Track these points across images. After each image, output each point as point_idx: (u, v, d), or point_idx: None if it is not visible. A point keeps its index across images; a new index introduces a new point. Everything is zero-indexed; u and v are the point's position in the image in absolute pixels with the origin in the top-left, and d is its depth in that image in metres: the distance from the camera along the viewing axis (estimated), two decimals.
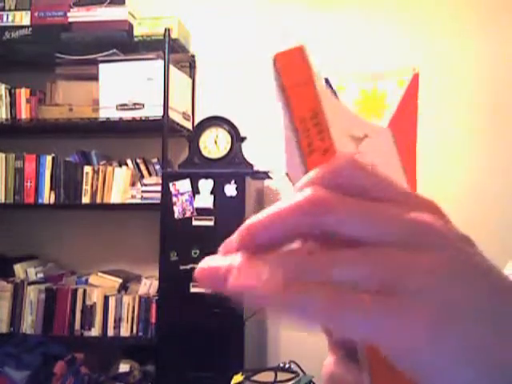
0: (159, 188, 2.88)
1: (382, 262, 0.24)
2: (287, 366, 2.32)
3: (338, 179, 0.27)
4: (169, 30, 2.97)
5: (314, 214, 0.25)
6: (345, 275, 0.24)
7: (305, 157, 0.34)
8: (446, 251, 0.25)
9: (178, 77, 3.10)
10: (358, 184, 0.27)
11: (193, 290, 2.74)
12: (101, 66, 3.02)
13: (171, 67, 2.98)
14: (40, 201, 3.10)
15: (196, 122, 3.17)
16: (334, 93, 3.13)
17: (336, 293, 0.24)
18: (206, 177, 2.80)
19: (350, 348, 0.32)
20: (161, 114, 2.92)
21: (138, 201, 3.00)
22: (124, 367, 2.97)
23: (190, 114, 3.27)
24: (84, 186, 3.06)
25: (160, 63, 2.95)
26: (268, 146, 3.00)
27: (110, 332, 2.99)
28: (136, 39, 3.03)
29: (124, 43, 3.04)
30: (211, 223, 2.76)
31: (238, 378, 2.23)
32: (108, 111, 3.00)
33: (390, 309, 0.24)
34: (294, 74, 0.38)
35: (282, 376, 2.21)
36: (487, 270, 0.26)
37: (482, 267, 0.26)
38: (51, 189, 3.09)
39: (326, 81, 3.13)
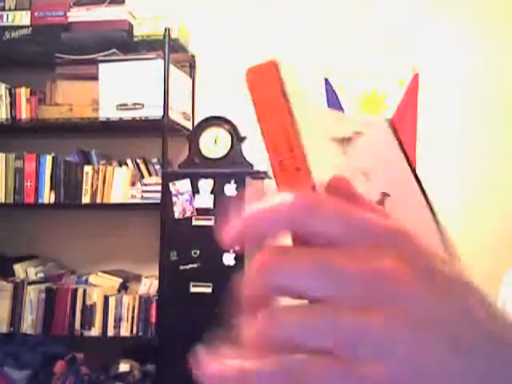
0: (159, 188, 2.88)
1: (330, 326, 0.24)
2: None
3: (291, 227, 0.26)
4: (169, 30, 2.97)
5: (262, 278, 0.26)
6: (302, 341, 0.24)
7: (276, 175, 0.34)
8: (393, 308, 0.24)
9: (178, 77, 3.10)
10: (307, 231, 0.26)
11: (193, 289, 2.74)
12: (101, 65, 3.02)
13: (171, 67, 2.98)
14: (40, 201, 3.10)
15: (196, 122, 3.17)
16: (335, 93, 3.14)
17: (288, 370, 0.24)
18: (206, 177, 2.80)
19: None
20: (161, 114, 2.92)
21: (138, 201, 3.00)
22: (124, 367, 2.97)
23: (190, 114, 3.27)
24: (84, 186, 3.06)
25: (160, 63, 2.95)
26: None
27: (110, 332, 2.99)
28: (136, 39, 3.03)
29: (124, 43, 3.03)
30: (211, 223, 2.76)
31: None
32: (108, 111, 3.00)
33: (339, 376, 0.23)
34: (263, 90, 0.37)
35: None
36: (451, 317, 0.24)
37: (444, 315, 0.24)
38: (51, 189, 3.09)
39: (326, 81, 3.13)
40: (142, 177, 3.12)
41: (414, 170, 0.47)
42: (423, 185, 0.48)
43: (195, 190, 2.79)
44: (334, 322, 0.24)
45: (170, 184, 2.81)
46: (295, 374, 0.24)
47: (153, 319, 2.95)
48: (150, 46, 3.02)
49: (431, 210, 0.45)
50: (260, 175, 3.05)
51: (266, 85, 0.37)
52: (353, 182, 0.36)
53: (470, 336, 0.24)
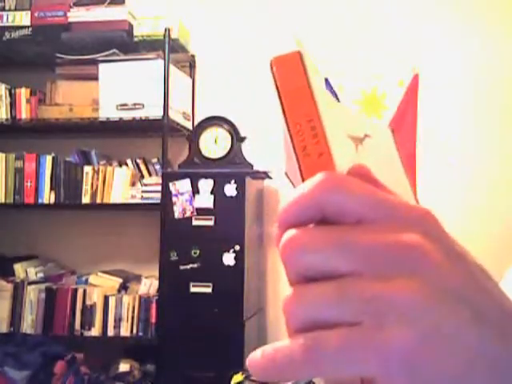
0: (159, 188, 2.88)
1: (352, 295, 0.25)
2: None
3: (315, 207, 0.27)
4: (169, 30, 2.97)
5: (290, 258, 0.27)
6: (321, 314, 0.25)
7: (299, 160, 0.35)
8: (418, 277, 0.25)
9: (178, 77, 3.10)
10: (337, 209, 0.27)
11: (193, 289, 2.75)
12: (101, 65, 3.02)
13: (171, 67, 2.98)
14: (40, 201, 3.10)
15: (196, 122, 3.17)
16: (335, 93, 3.13)
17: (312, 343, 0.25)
18: (206, 177, 2.80)
19: None
20: (161, 114, 2.92)
21: (138, 201, 3.00)
22: (124, 367, 2.97)
23: (190, 114, 3.27)
24: (84, 186, 3.06)
25: (160, 63, 2.95)
26: (268, 145, 3.00)
27: (110, 332, 2.99)
28: (136, 39, 3.03)
29: (124, 43, 3.03)
30: (211, 223, 2.76)
31: (238, 377, 2.24)
32: (108, 111, 3.00)
33: (358, 344, 0.24)
34: (289, 79, 0.38)
35: None
36: (467, 294, 0.25)
37: (459, 292, 0.25)
38: (51, 189, 3.09)
39: (326, 81, 3.13)
40: (142, 177, 3.12)
41: (406, 176, 0.48)
42: (413, 189, 0.49)
43: (195, 190, 2.80)
44: (360, 293, 0.25)
45: (170, 184, 2.81)
46: (324, 346, 0.24)
47: (153, 319, 2.95)
48: (150, 45, 3.02)
49: None
50: (260, 175, 3.06)
51: (292, 74, 0.38)
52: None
53: (489, 308, 0.25)
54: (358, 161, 0.40)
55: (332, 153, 0.35)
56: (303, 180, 0.34)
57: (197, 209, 2.78)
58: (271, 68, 0.38)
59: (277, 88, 0.37)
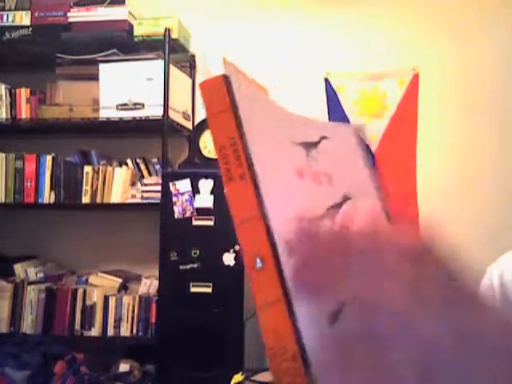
0: (159, 188, 2.88)
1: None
2: None
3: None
4: (169, 29, 2.97)
5: None
6: None
7: (224, 184, 0.37)
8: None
9: (177, 77, 3.10)
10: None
11: (193, 289, 2.74)
12: (101, 65, 3.02)
13: (171, 67, 2.98)
14: (40, 201, 3.10)
15: (196, 122, 3.17)
16: (334, 93, 3.13)
17: None
18: (206, 177, 2.80)
19: None
20: (161, 114, 2.92)
21: (138, 201, 3.00)
22: (124, 367, 2.97)
23: (190, 114, 3.27)
24: (84, 186, 3.06)
25: (160, 63, 2.95)
26: None
27: (110, 332, 2.99)
28: (136, 39, 3.03)
29: (124, 43, 3.04)
30: (211, 223, 2.76)
31: (238, 377, 2.23)
32: (108, 111, 3.00)
33: None
34: (214, 103, 0.39)
35: None
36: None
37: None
38: (51, 189, 3.09)
39: (326, 81, 3.13)
40: (142, 177, 3.12)
41: (375, 173, 0.49)
42: (378, 186, 0.50)
43: (195, 190, 2.79)
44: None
45: (170, 184, 2.81)
46: None
47: (153, 319, 2.95)
48: (150, 45, 3.02)
49: (386, 211, 0.48)
50: None
51: (216, 98, 0.39)
52: (317, 184, 0.41)
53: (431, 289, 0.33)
54: (309, 163, 0.43)
55: (254, 174, 0.36)
56: (229, 202, 0.36)
57: (197, 209, 2.78)
58: (200, 92, 0.39)
59: (205, 112, 0.39)
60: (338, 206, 0.42)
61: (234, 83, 0.40)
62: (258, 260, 0.36)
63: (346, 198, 0.43)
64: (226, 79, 0.40)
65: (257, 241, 0.36)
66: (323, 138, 0.45)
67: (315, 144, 0.44)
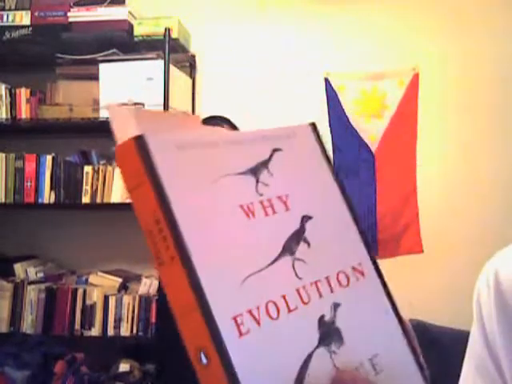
0: None
1: None
2: None
3: None
4: (169, 29, 2.97)
5: None
6: None
7: (157, 269, 0.34)
8: None
9: (177, 77, 3.10)
10: None
11: None
12: (101, 65, 3.02)
13: (171, 67, 2.98)
14: (40, 201, 3.10)
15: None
16: (334, 93, 3.13)
17: None
18: None
19: None
20: None
21: None
22: (124, 367, 2.97)
23: (190, 113, 3.27)
24: (84, 186, 3.06)
25: (160, 63, 2.95)
26: None
27: (110, 332, 2.99)
28: (136, 39, 3.03)
29: (124, 43, 3.04)
30: None
31: None
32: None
33: None
34: (131, 175, 0.35)
35: None
36: None
37: None
38: (51, 189, 3.09)
39: (326, 81, 3.13)
40: None
41: (336, 179, 0.45)
42: (344, 191, 0.47)
43: None
44: None
45: None
46: None
47: (153, 319, 2.95)
48: (150, 45, 3.02)
49: (355, 220, 0.45)
50: None
51: (131, 169, 0.35)
52: (272, 213, 0.36)
53: None
54: (260, 192, 0.39)
55: (186, 254, 0.32)
56: (165, 290, 0.33)
57: None
58: (116, 156, 0.35)
59: (122, 177, 0.35)
60: (299, 232, 0.39)
61: (149, 140, 0.34)
62: (203, 355, 0.33)
63: (306, 219, 0.41)
64: (138, 141, 0.34)
65: (198, 335, 0.33)
66: (275, 150, 0.42)
67: (266, 163, 0.40)
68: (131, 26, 3.04)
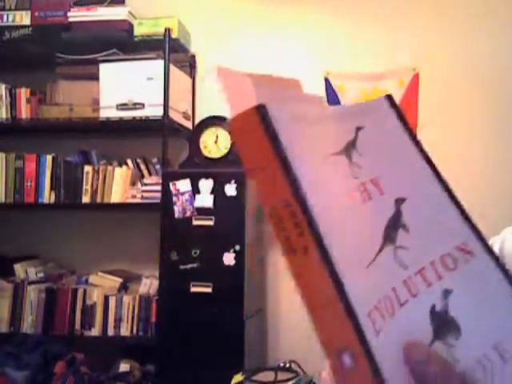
0: (159, 188, 2.88)
1: None
2: (287, 365, 2.33)
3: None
4: (169, 29, 2.97)
5: None
6: None
7: (286, 255, 0.30)
8: None
9: (178, 77, 3.10)
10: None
11: (193, 289, 2.74)
12: (101, 65, 3.02)
13: (171, 67, 2.98)
14: (40, 201, 3.10)
15: (196, 122, 3.17)
16: (334, 92, 3.13)
17: None
18: (206, 177, 2.80)
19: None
20: (161, 113, 2.92)
21: (138, 200, 3.00)
22: (124, 367, 2.97)
23: (190, 113, 3.27)
24: (84, 186, 3.06)
25: (160, 63, 2.95)
26: None
27: (110, 332, 2.99)
28: (136, 39, 3.03)
29: (124, 43, 3.04)
30: (211, 223, 2.76)
31: (238, 377, 2.23)
32: (108, 111, 3.00)
33: None
34: (253, 154, 0.31)
35: (282, 376, 2.21)
36: None
37: None
38: (51, 189, 3.09)
39: (326, 81, 3.13)
40: (142, 177, 3.12)
41: (421, 150, 0.41)
42: (432, 161, 0.42)
43: (195, 190, 2.79)
44: None
45: (170, 184, 2.81)
46: None
47: (153, 319, 2.95)
48: (150, 46, 3.02)
49: (452, 198, 0.41)
50: None
51: (253, 147, 0.31)
52: (368, 200, 0.33)
53: None
54: (355, 175, 0.36)
55: (323, 242, 0.29)
56: (295, 281, 0.29)
57: (197, 209, 2.78)
58: (229, 132, 0.31)
59: (243, 165, 0.31)
60: (395, 217, 0.36)
61: (273, 112, 0.30)
62: (347, 357, 0.28)
63: (401, 202, 0.37)
64: (262, 114, 0.30)
65: (340, 332, 0.29)
66: (358, 129, 0.37)
67: (353, 143, 0.36)
68: (131, 26, 3.04)
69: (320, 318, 0.29)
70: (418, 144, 0.41)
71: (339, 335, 0.28)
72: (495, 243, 0.67)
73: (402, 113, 0.41)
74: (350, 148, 0.36)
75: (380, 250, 0.34)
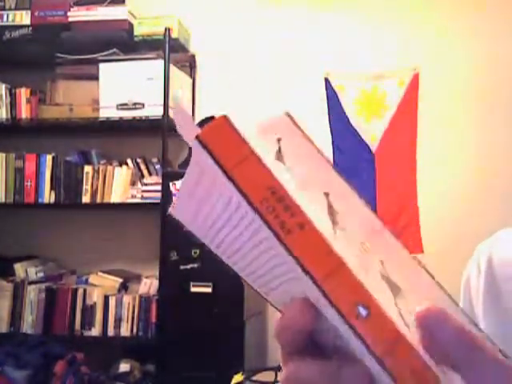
0: (159, 188, 2.88)
1: None
2: None
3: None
4: (169, 29, 2.97)
5: None
6: None
7: (282, 240, 0.31)
8: None
9: (178, 77, 3.10)
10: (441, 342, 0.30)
11: (193, 289, 2.74)
12: (101, 65, 3.02)
13: (171, 67, 2.98)
14: (40, 200, 3.10)
15: (196, 122, 3.16)
16: (334, 92, 3.13)
17: None
18: None
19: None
20: (161, 113, 2.92)
21: (138, 200, 3.00)
22: (124, 367, 2.97)
23: (190, 113, 3.27)
24: (84, 186, 3.06)
25: (160, 63, 2.95)
26: None
27: (110, 332, 2.99)
28: (136, 39, 3.03)
29: (124, 43, 3.04)
30: None
31: (238, 377, 2.23)
32: (108, 111, 3.00)
33: None
34: (229, 153, 0.33)
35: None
36: None
37: None
38: (51, 188, 3.09)
39: (326, 81, 3.13)
40: (142, 177, 3.12)
41: (328, 161, 0.44)
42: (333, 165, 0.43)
43: None
44: None
45: (170, 184, 2.81)
46: None
47: (153, 319, 2.95)
48: (150, 45, 3.02)
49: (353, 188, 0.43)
50: None
51: (231, 143, 0.33)
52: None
53: None
54: (293, 182, 0.36)
55: (311, 221, 0.31)
56: (296, 255, 0.31)
57: None
58: (200, 145, 0.33)
59: (219, 165, 0.32)
60: (330, 208, 0.37)
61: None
62: (361, 308, 0.31)
63: (327, 195, 0.38)
64: (229, 119, 0.34)
65: (352, 289, 0.31)
66: (279, 139, 0.40)
67: (279, 150, 0.39)
68: (131, 26, 3.04)
69: (332, 283, 0.31)
70: (316, 147, 0.42)
71: (352, 291, 0.31)
72: (481, 256, 0.65)
73: (298, 125, 0.42)
74: (279, 154, 0.38)
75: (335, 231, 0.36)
